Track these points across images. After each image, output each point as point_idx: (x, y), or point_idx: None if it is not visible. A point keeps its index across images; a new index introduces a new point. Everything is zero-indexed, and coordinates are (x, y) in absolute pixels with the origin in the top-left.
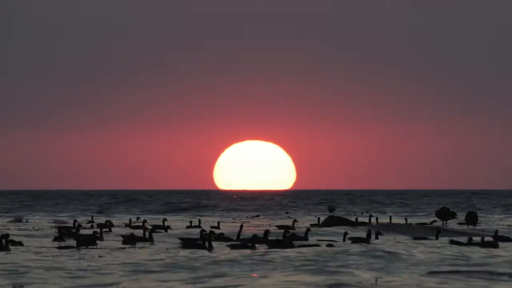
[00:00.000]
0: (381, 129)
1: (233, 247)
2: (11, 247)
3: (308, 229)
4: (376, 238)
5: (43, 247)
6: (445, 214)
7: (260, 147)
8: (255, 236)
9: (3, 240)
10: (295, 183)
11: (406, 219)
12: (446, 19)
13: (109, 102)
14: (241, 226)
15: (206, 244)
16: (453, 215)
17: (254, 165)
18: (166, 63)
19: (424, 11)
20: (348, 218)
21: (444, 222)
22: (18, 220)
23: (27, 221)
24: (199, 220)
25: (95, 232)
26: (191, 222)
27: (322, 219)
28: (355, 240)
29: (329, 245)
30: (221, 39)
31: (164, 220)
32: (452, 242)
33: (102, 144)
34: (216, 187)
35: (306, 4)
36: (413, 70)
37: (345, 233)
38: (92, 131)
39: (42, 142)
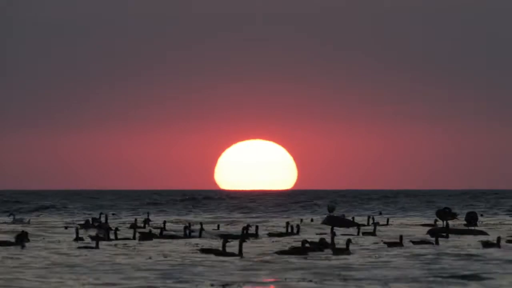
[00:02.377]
0: (381, 129)
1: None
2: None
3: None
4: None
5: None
6: (445, 214)
7: (261, 147)
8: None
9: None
10: (296, 183)
11: (387, 220)
12: (446, 19)
13: (109, 102)
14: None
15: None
16: (453, 216)
17: (255, 165)
18: (166, 62)
19: (424, 11)
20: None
21: (444, 222)
22: (20, 221)
23: (29, 222)
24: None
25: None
26: (201, 224)
27: (316, 219)
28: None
29: None
30: (221, 39)
31: (165, 222)
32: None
33: (102, 144)
34: (217, 187)
35: (306, 4)
36: (413, 70)
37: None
38: (92, 131)
39: (42, 142)
